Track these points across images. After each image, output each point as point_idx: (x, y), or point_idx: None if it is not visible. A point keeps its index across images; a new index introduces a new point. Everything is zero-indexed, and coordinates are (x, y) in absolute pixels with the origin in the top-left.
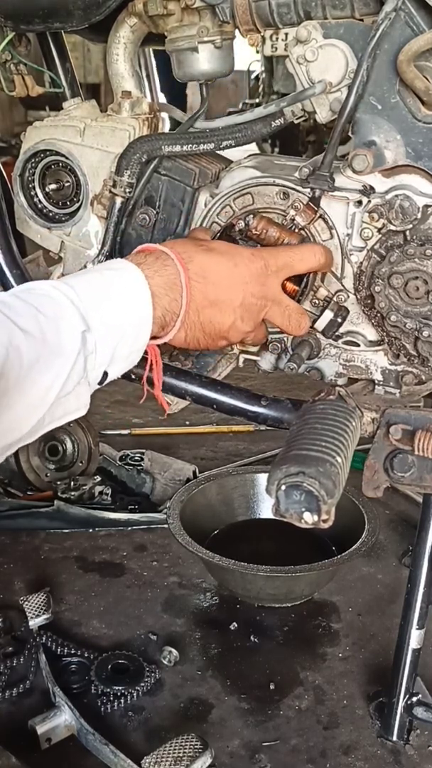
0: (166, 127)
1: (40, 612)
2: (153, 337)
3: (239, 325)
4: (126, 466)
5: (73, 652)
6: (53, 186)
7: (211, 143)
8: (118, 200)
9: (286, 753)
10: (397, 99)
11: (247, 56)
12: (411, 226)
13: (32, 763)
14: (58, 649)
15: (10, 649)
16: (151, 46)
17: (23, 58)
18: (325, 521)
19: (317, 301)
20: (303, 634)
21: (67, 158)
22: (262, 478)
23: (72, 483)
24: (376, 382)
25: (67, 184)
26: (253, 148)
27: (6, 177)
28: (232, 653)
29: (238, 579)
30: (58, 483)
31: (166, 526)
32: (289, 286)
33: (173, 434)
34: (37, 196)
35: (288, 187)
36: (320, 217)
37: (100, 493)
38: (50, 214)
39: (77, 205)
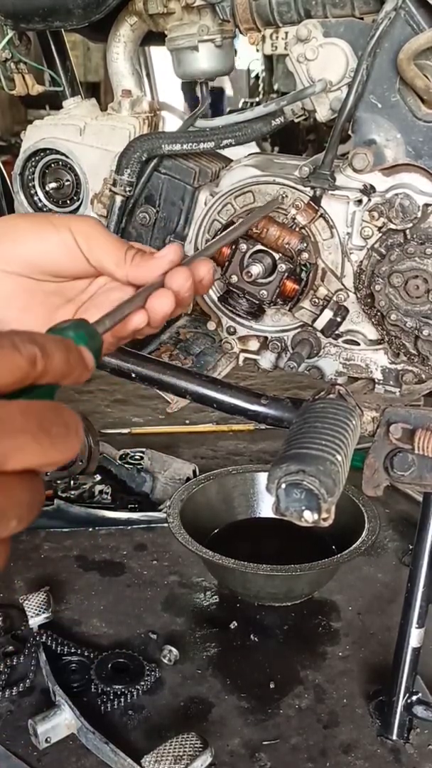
0: (166, 125)
1: (40, 611)
2: None
3: None
4: (126, 465)
5: (73, 651)
6: (53, 185)
7: (212, 142)
8: (118, 199)
9: (287, 752)
10: (397, 97)
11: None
12: (411, 224)
13: (32, 762)
14: (58, 648)
15: (10, 648)
16: (151, 44)
17: (23, 57)
18: (325, 520)
19: (317, 300)
20: (303, 633)
21: (67, 157)
22: (262, 477)
23: (72, 482)
24: (376, 380)
25: (67, 183)
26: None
27: (6, 176)
28: (232, 652)
29: (238, 578)
30: (58, 482)
31: (166, 525)
32: (289, 285)
33: (173, 433)
34: (37, 195)
35: (288, 186)
36: (321, 216)
37: (100, 492)
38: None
39: (77, 203)
